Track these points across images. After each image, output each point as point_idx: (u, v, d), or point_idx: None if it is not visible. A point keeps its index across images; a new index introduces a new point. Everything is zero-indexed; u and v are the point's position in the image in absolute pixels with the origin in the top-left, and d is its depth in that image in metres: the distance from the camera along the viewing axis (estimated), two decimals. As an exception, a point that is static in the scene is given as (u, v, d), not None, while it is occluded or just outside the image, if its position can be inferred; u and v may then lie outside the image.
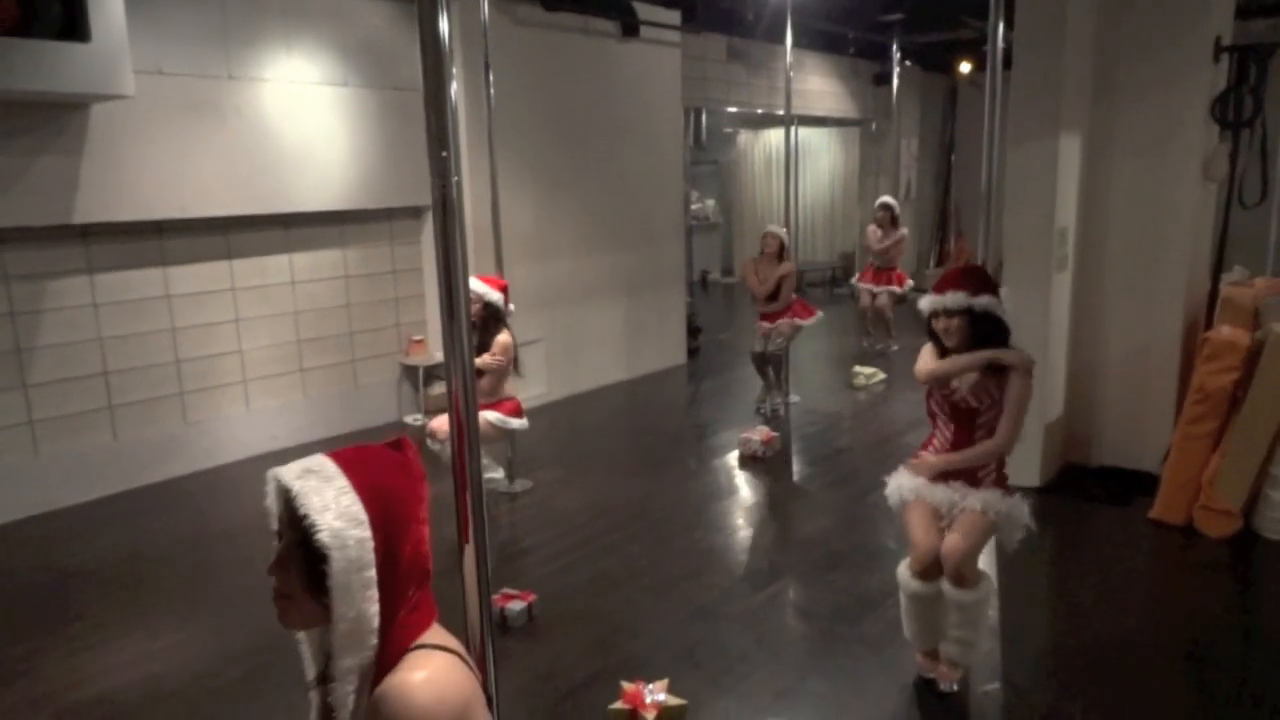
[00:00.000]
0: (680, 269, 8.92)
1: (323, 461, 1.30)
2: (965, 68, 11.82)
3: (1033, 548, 4.43)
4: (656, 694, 3.03)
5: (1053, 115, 4.79)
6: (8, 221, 4.77)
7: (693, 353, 9.13)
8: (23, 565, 4.48)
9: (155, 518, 5.07)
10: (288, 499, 1.28)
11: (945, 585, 3.04)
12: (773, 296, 6.67)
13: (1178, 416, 4.73)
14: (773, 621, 3.77)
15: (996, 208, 3.93)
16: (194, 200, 5.46)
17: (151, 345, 5.56)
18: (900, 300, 9.22)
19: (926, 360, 3.10)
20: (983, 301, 2.97)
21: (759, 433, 5.96)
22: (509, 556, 4.42)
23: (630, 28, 7.76)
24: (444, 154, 1.30)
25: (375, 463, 1.33)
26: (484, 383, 4.69)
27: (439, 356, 6.18)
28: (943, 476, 3.10)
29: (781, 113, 7.29)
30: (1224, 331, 4.56)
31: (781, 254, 6.65)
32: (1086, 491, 5.06)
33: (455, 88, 1.45)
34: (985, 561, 3.26)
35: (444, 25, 1.43)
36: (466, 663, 1.38)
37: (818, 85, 11.55)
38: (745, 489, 5.45)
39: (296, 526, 1.26)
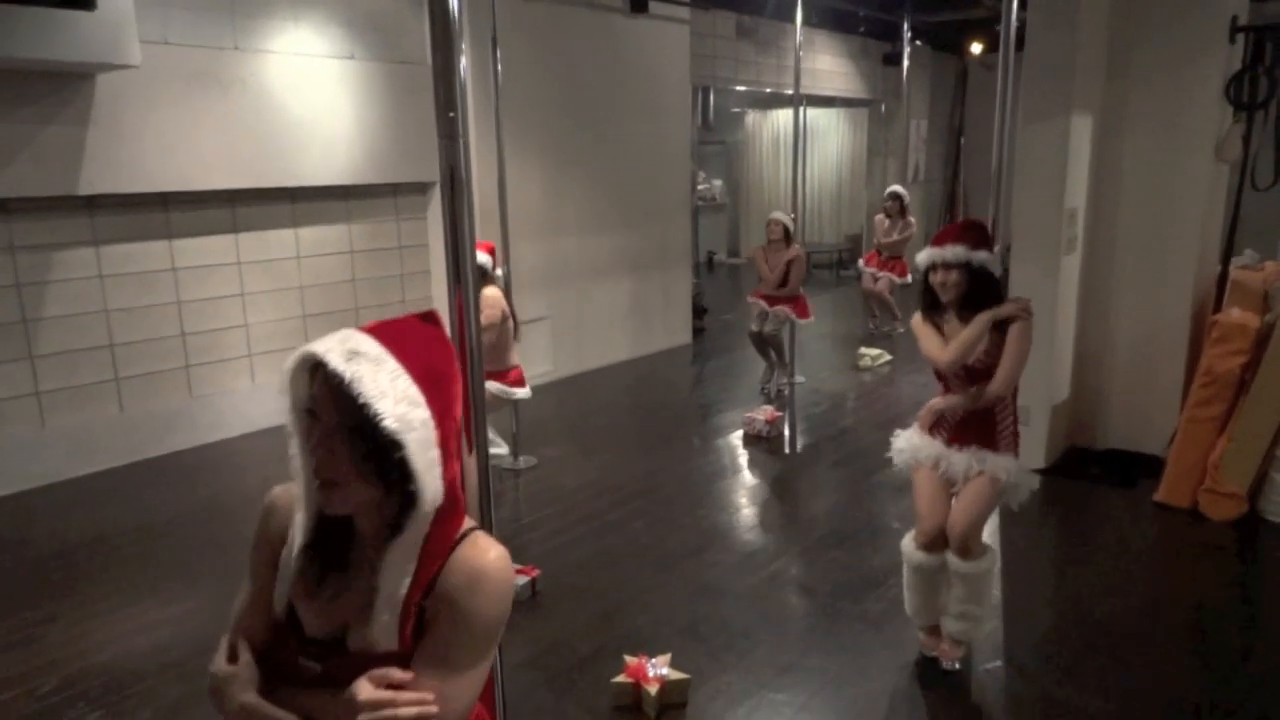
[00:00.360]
0: (686, 249, 8.89)
1: (364, 340, 1.24)
2: (976, 48, 11.71)
3: (1037, 528, 4.44)
4: (659, 668, 3.04)
5: (1065, 95, 4.74)
6: (13, 191, 4.76)
7: (698, 333, 9.13)
8: (29, 535, 4.50)
9: (160, 490, 5.09)
10: (331, 380, 1.20)
11: (950, 557, 3.04)
12: (782, 282, 6.66)
13: (1184, 400, 4.71)
14: (775, 598, 3.77)
15: (1007, 190, 3.89)
16: (199, 172, 5.44)
17: (157, 318, 5.56)
18: (902, 287, 9.19)
19: (933, 344, 3.06)
20: (980, 256, 2.96)
21: (763, 412, 5.96)
22: (513, 532, 4.43)
23: (639, 3, 7.69)
24: (451, 114, 1.29)
25: (417, 340, 1.28)
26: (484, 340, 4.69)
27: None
28: (960, 440, 3.06)
29: (790, 92, 7.24)
30: (1234, 314, 4.53)
31: (788, 239, 6.63)
32: (1091, 474, 5.05)
33: (464, 62, 1.42)
34: (989, 538, 3.26)
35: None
36: None
37: (827, 64, 11.46)
38: (749, 468, 5.45)
39: (345, 410, 1.20)
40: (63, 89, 4.82)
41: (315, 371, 1.24)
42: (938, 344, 3.05)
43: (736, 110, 14.30)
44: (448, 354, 1.33)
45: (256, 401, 6.03)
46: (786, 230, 6.63)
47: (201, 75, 5.37)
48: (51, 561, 4.20)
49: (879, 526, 4.46)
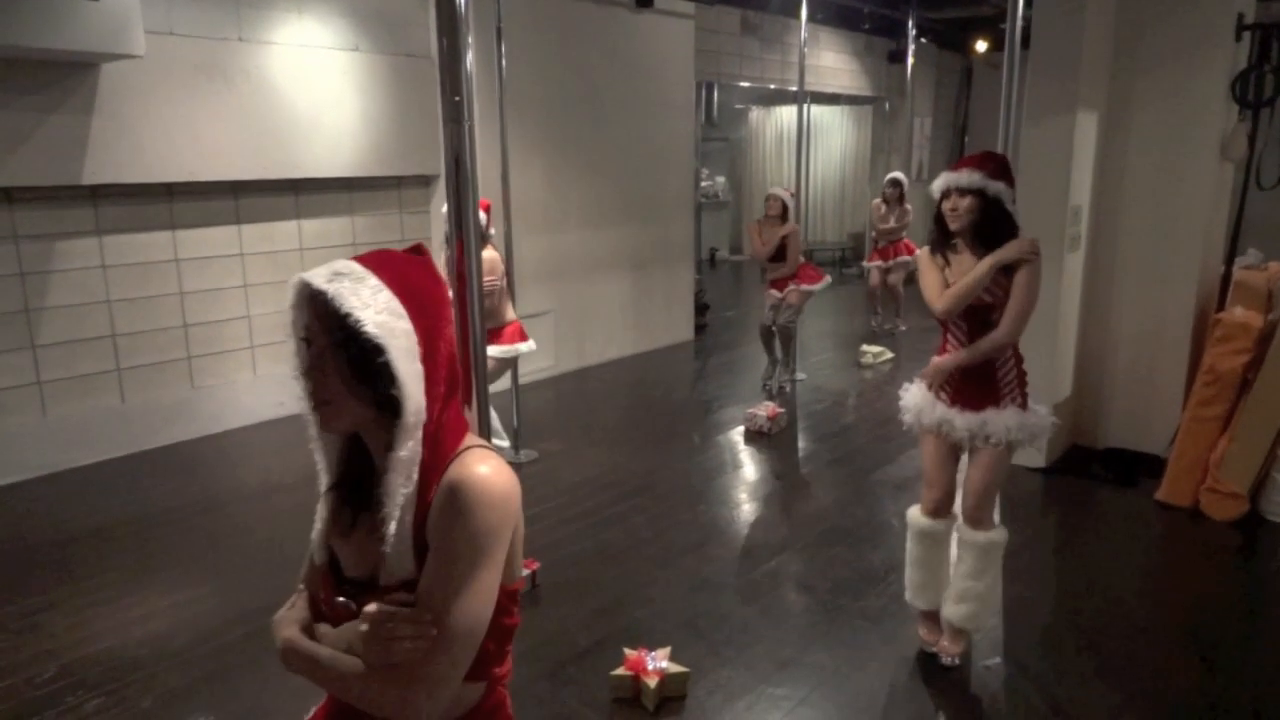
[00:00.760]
0: (689, 245, 8.88)
1: (350, 264, 1.29)
2: (981, 46, 11.68)
3: (1037, 527, 4.44)
4: (659, 661, 3.04)
5: (1070, 93, 4.73)
6: (17, 181, 4.76)
7: (700, 329, 9.12)
8: (30, 524, 4.51)
9: (161, 481, 5.09)
10: (318, 303, 1.26)
11: (960, 526, 3.03)
12: (778, 259, 6.62)
13: (1186, 399, 4.71)
14: (775, 594, 3.77)
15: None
16: (203, 163, 5.44)
17: (159, 309, 5.56)
18: (913, 275, 9.16)
19: (932, 288, 2.94)
20: (996, 187, 2.85)
21: (765, 408, 5.96)
22: (513, 525, 4.42)
23: (644, -2, 7.68)
24: (456, 98, 1.28)
25: (401, 264, 1.33)
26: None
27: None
28: (965, 402, 2.98)
29: (794, 89, 7.22)
30: (1237, 313, 4.52)
31: (785, 216, 6.56)
32: (1093, 473, 5.05)
33: (469, 56, 1.42)
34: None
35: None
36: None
37: (831, 61, 11.44)
38: (749, 464, 5.45)
39: (332, 329, 1.25)
40: (67, 78, 4.82)
41: (311, 304, 1.29)
42: (937, 288, 2.94)
43: (740, 106, 14.29)
44: (433, 277, 1.35)
45: (258, 393, 6.04)
46: (785, 206, 6.56)
47: (206, 66, 5.37)
48: (52, 550, 4.21)
49: (879, 523, 4.46)
